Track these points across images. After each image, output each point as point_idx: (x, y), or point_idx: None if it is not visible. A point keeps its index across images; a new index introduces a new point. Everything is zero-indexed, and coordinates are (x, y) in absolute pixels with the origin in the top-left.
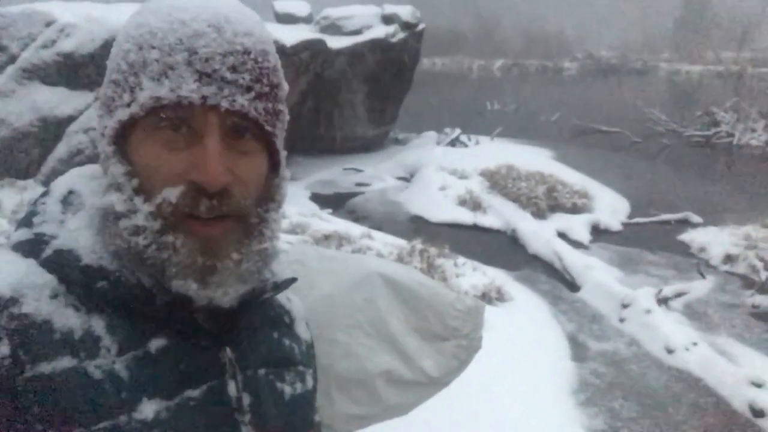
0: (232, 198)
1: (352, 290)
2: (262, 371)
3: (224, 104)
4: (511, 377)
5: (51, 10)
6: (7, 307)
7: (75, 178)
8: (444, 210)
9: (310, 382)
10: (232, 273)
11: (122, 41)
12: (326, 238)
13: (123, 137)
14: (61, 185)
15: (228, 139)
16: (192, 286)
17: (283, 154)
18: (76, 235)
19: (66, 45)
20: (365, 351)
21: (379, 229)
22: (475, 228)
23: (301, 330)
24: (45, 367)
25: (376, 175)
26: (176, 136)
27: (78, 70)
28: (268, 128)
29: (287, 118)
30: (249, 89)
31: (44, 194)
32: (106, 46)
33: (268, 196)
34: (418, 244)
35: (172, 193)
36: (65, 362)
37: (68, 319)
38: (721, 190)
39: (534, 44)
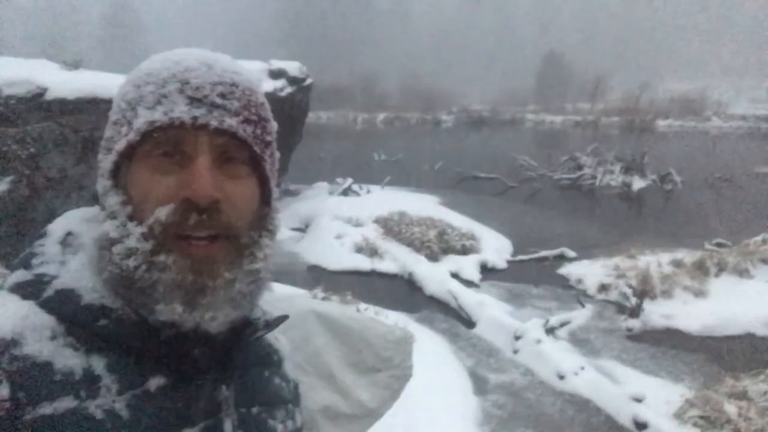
0: (222, 214)
1: (289, 330)
2: (255, 409)
3: (213, 123)
4: (418, 416)
5: None
6: (8, 349)
7: (72, 221)
8: (342, 258)
9: (299, 420)
10: (224, 294)
11: (122, 88)
12: None
13: (120, 171)
14: (58, 227)
15: (219, 163)
16: (177, 309)
17: (275, 186)
18: (78, 275)
19: None
20: (305, 389)
21: (277, 281)
22: (374, 274)
23: (289, 369)
24: (46, 409)
25: None
26: (169, 161)
27: None
28: (257, 150)
29: (278, 155)
30: (237, 114)
31: (41, 236)
32: None
33: (261, 225)
34: (320, 293)
35: (162, 212)
36: (66, 403)
37: (68, 359)
38: (590, 227)
39: (413, 98)
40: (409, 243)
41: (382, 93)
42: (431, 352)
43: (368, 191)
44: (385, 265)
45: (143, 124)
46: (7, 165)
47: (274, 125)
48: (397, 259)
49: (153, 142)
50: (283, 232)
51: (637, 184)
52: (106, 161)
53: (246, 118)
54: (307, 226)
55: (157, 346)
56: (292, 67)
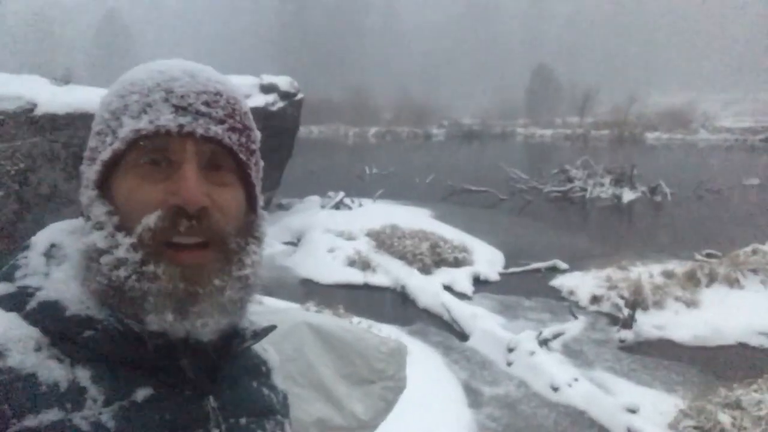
0: (211, 220)
1: (282, 341)
2: (243, 420)
3: (200, 130)
4: (412, 429)
5: None
6: None
7: (56, 232)
8: (334, 271)
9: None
10: (215, 301)
11: (105, 98)
12: None
13: (105, 182)
14: (42, 240)
15: (205, 171)
16: (168, 318)
17: (260, 194)
18: (61, 286)
19: None
20: (297, 401)
21: (270, 295)
22: (366, 287)
23: (278, 380)
24: (31, 421)
25: None
26: (156, 170)
27: None
28: (243, 157)
29: (262, 164)
30: (222, 121)
31: (24, 249)
32: None
33: (248, 232)
34: (312, 307)
35: (150, 219)
36: (52, 415)
37: (53, 371)
38: (581, 239)
39: (404, 112)
40: (402, 256)
41: (374, 107)
42: (424, 365)
43: (360, 205)
44: (378, 278)
45: (129, 132)
46: None
47: (257, 134)
48: (389, 272)
49: (139, 151)
50: (275, 246)
51: (627, 196)
52: (90, 171)
53: (231, 126)
54: (299, 240)
55: (144, 356)
56: (283, 82)
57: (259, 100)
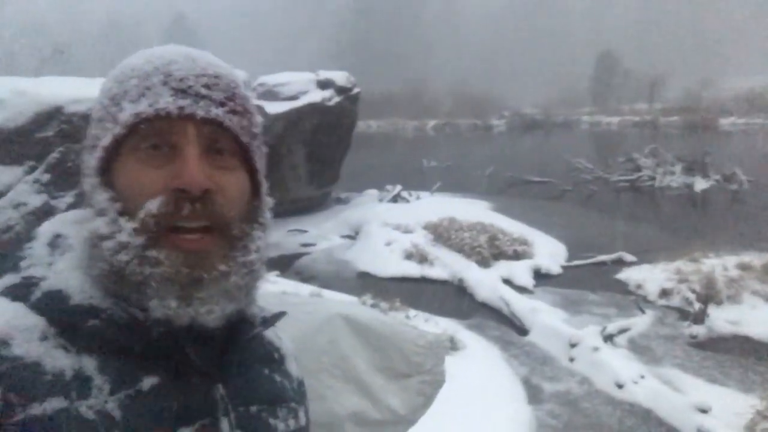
0: (214, 204)
1: (316, 333)
2: (254, 408)
3: (200, 112)
4: (470, 425)
5: None
6: None
7: (60, 224)
8: (391, 264)
9: (303, 419)
10: (220, 286)
11: (104, 85)
12: None
13: (107, 169)
14: (46, 230)
15: (207, 155)
16: (172, 304)
17: (264, 179)
18: (66, 276)
19: None
20: (332, 393)
21: (328, 287)
22: (423, 280)
23: (292, 367)
24: (36, 409)
25: (320, 234)
26: (157, 154)
27: (6, 144)
28: (245, 140)
29: (265, 150)
30: (223, 104)
31: (29, 240)
32: (36, 119)
33: (252, 218)
34: (369, 300)
35: (153, 204)
36: (56, 403)
37: (58, 360)
38: (650, 230)
39: (463, 104)
40: (459, 249)
41: (433, 100)
42: (482, 360)
43: (418, 198)
44: (435, 272)
45: (129, 117)
46: (71, 179)
47: (259, 119)
48: (447, 265)
49: (139, 135)
50: (333, 240)
51: (700, 184)
52: (91, 158)
53: (231, 109)
54: (356, 233)
55: (150, 344)
56: (340, 77)
57: (316, 95)
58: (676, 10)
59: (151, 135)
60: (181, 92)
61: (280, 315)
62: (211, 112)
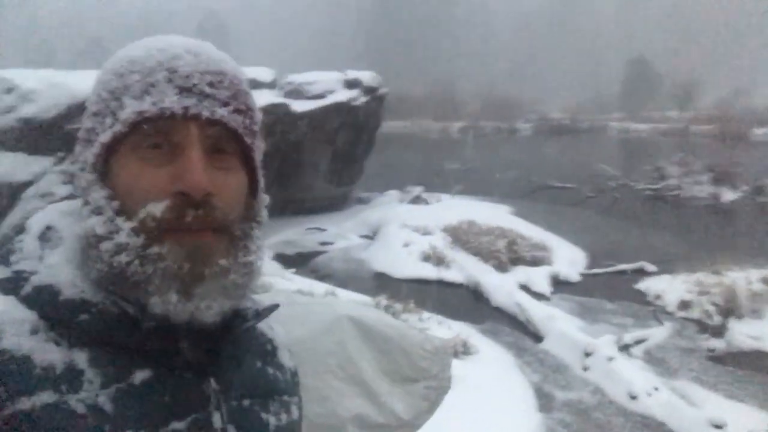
0: (216, 209)
1: (322, 334)
2: (246, 402)
3: (205, 113)
4: (478, 430)
5: (12, 76)
6: None
7: (52, 214)
8: (408, 266)
9: (295, 413)
10: (219, 283)
11: (101, 76)
12: None
13: (104, 165)
14: (38, 222)
15: (209, 155)
16: (172, 299)
17: (261, 177)
18: (56, 270)
19: (27, 110)
20: (336, 395)
21: (343, 286)
22: (439, 283)
23: (285, 358)
24: (25, 403)
25: (339, 233)
26: (158, 153)
27: (39, 135)
28: (247, 141)
29: (263, 147)
30: (227, 104)
31: (20, 232)
32: (69, 111)
33: (249, 216)
34: (383, 300)
35: (157, 208)
36: (46, 397)
37: (49, 353)
38: (672, 240)
39: (489, 107)
40: (477, 252)
41: (459, 102)
42: (494, 365)
43: (438, 200)
44: (452, 275)
45: (131, 114)
46: None
47: (259, 115)
48: (464, 268)
49: (141, 133)
50: (351, 239)
51: (727, 195)
52: (87, 154)
53: (236, 108)
54: (375, 234)
55: (142, 338)
56: (367, 77)
57: (343, 95)
58: (709, 18)
59: (152, 134)
60: (186, 91)
61: (272, 308)
62: (216, 113)
